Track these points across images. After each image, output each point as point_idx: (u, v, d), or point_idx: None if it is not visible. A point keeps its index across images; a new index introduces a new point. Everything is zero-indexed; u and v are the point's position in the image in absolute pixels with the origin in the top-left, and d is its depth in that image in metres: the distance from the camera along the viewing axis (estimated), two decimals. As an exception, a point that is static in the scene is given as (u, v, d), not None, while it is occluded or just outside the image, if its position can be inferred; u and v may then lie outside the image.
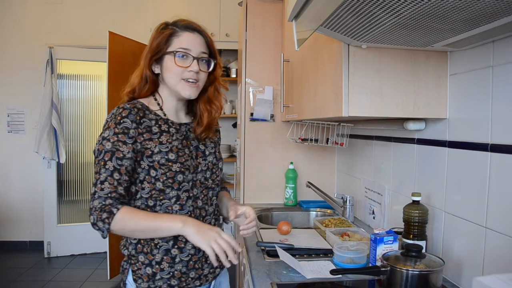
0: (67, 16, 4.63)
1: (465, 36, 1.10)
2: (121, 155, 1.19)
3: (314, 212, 2.42)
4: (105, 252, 3.70)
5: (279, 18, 2.61)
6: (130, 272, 1.29)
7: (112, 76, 3.60)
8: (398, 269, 1.19)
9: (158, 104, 1.35)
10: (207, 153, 1.41)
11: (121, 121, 1.21)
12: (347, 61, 1.34)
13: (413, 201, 1.40)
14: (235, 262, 1.19)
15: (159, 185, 1.25)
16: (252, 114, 2.62)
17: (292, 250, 1.60)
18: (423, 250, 1.31)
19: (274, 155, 2.66)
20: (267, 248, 1.67)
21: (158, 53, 1.30)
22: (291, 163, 2.60)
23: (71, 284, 3.70)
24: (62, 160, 4.37)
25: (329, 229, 1.80)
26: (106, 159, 1.18)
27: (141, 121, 1.25)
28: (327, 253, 1.64)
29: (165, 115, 1.34)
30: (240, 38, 2.85)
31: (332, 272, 1.34)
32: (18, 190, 4.69)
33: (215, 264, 1.17)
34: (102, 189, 1.17)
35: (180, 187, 1.28)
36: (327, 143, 2.28)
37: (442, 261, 1.23)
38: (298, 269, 1.43)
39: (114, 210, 1.16)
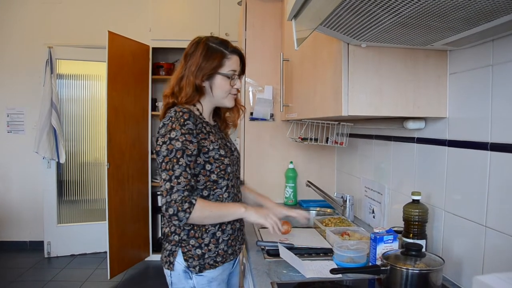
0: (66, 16, 4.62)
1: (465, 35, 1.10)
2: (190, 152, 1.38)
3: (314, 211, 2.42)
4: (105, 252, 3.69)
5: (278, 17, 2.61)
6: (180, 253, 1.47)
7: (112, 76, 3.59)
8: (398, 268, 1.20)
9: (198, 109, 1.54)
10: (232, 148, 1.65)
11: (185, 123, 1.39)
12: (347, 60, 1.34)
13: (413, 200, 1.41)
14: (280, 233, 1.53)
15: (213, 176, 1.47)
16: (252, 114, 2.62)
17: (292, 250, 1.60)
18: (423, 249, 1.31)
19: (274, 155, 2.66)
20: (267, 248, 1.67)
21: (212, 72, 1.49)
22: (291, 162, 2.60)
23: (71, 284, 3.69)
24: (62, 160, 4.36)
25: (329, 228, 1.80)
26: (178, 156, 1.35)
27: (197, 122, 1.44)
28: (327, 253, 1.64)
29: (204, 118, 1.54)
30: (240, 38, 2.85)
31: (332, 271, 1.34)
32: (18, 190, 4.68)
33: (278, 232, 1.50)
34: (179, 183, 1.33)
35: (229, 177, 1.52)
36: (327, 142, 2.28)
37: (442, 260, 1.23)
38: (299, 267, 1.43)
39: (193, 200, 1.34)
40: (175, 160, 1.35)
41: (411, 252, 1.24)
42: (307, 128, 2.31)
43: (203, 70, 1.47)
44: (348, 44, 1.34)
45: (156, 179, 4.31)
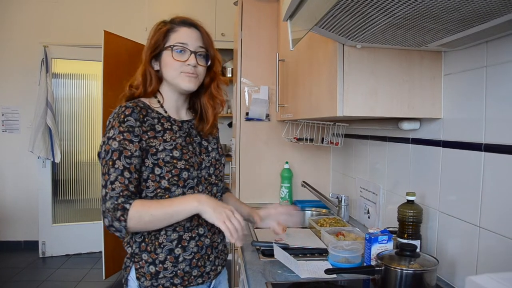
0: (62, 15, 4.61)
1: (459, 36, 1.11)
2: (129, 153, 1.19)
3: (309, 212, 2.42)
4: (100, 252, 3.68)
5: (274, 17, 2.61)
6: (133, 269, 1.27)
7: (107, 75, 3.58)
8: (393, 269, 1.20)
9: (159, 101, 1.35)
10: (210, 149, 1.42)
11: (125, 119, 1.21)
12: (342, 61, 1.35)
13: (408, 200, 1.41)
14: (240, 244, 1.20)
15: (164, 183, 1.24)
16: (247, 114, 2.62)
17: (287, 250, 1.60)
18: (417, 250, 1.31)
19: (270, 155, 2.66)
20: (262, 248, 1.67)
21: (156, 49, 1.31)
22: (287, 162, 2.60)
23: (66, 284, 3.68)
24: (57, 160, 4.34)
25: (324, 229, 1.80)
26: (115, 158, 1.17)
27: (145, 119, 1.25)
28: (322, 253, 1.65)
29: (166, 112, 1.34)
30: (236, 38, 2.85)
31: (327, 271, 1.34)
32: (12, 189, 4.66)
33: (232, 240, 1.14)
34: (113, 189, 1.15)
35: (186, 184, 1.27)
36: (322, 143, 2.28)
37: (436, 260, 1.23)
38: (293, 267, 1.43)
39: (127, 205, 1.14)
40: (111, 163, 1.17)
41: (405, 252, 1.24)
42: (302, 128, 2.32)
43: (149, 51, 1.32)
44: (343, 45, 1.34)
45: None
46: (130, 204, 1.15)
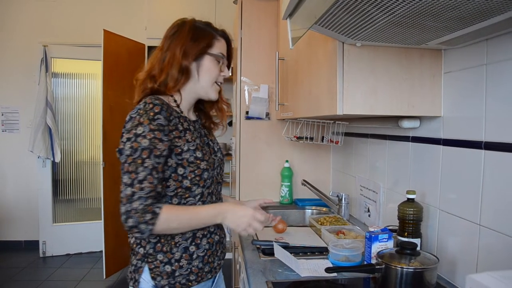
0: (61, 14, 4.60)
1: (459, 34, 1.11)
2: (158, 152, 1.17)
3: (310, 210, 2.42)
4: (101, 251, 3.68)
5: (274, 16, 2.60)
6: (146, 270, 1.26)
7: (107, 74, 3.58)
8: (393, 267, 1.20)
9: (175, 100, 1.34)
10: (215, 149, 1.45)
11: (155, 117, 1.18)
12: (342, 59, 1.34)
13: (408, 199, 1.41)
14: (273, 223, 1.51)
15: (186, 183, 1.25)
16: (247, 113, 2.62)
17: (287, 249, 1.60)
18: (418, 248, 1.31)
19: (270, 154, 2.65)
20: (262, 247, 1.67)
21: (201, 52, 1.32)
22: (287, 161, 2.60)
23: (66, 284, 3.68)
24: (57, 159, 4.34)
25: (324, 227, 1.80)
26: (144, 156, 1.15)
27: (170, 118, 1.24)
28: (322, 251, 1.65)
29: (182, 112, 1.34)
30: (235, 36, 2.84)
31: (327, 270, 1.34)
32: (13, 189, 4.66)
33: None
34: (142, 189, 1.13)
35: (205, 184, 1.31)
36: (322, 141, 2.28)
37: (436, 258, 1.23)
38: (294, 266, 1.43)
39: (157, 210, 1.14)
40: (139, 161, 1.14)
41: (406, 250, 1.24)
42: (302, 127, 2.32)
43: (192, 49, 1.30)
44: (343, 43, 1.34)
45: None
46: (160, 208, 1.15)
